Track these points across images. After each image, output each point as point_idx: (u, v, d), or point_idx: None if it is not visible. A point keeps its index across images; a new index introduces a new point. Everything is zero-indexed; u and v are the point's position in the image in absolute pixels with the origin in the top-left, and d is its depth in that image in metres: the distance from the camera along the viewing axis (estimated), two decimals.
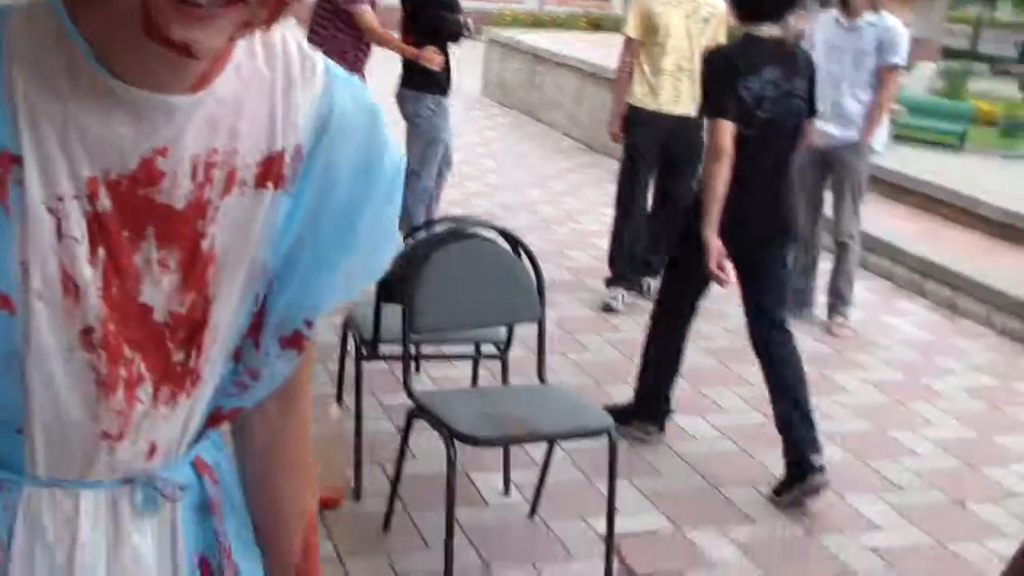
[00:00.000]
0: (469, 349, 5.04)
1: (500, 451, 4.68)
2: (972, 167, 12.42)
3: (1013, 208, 9.35)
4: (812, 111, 5.28)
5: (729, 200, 4.89)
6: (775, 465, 5.21)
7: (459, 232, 4.45)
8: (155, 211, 1.28)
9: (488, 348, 4.88)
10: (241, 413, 1.49)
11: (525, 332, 4.67)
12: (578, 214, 9.87)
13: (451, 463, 3.88)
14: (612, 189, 7.59)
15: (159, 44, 1.15)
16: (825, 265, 7.56)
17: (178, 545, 1.44)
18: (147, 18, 1.13)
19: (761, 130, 4.96)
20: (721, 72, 5.03)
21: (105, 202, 1.25)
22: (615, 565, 4.17)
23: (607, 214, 8.71)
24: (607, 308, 7.28)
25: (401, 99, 7.37)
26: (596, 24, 25.11)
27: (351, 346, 4.81)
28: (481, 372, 5.29)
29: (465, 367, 5.41)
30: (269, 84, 1.33)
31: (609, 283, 7.44)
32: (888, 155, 8.48)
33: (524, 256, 4.45)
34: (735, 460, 5.30)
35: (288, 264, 1.38)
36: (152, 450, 1.38)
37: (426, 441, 4.75)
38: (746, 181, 4.93)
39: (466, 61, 8.31)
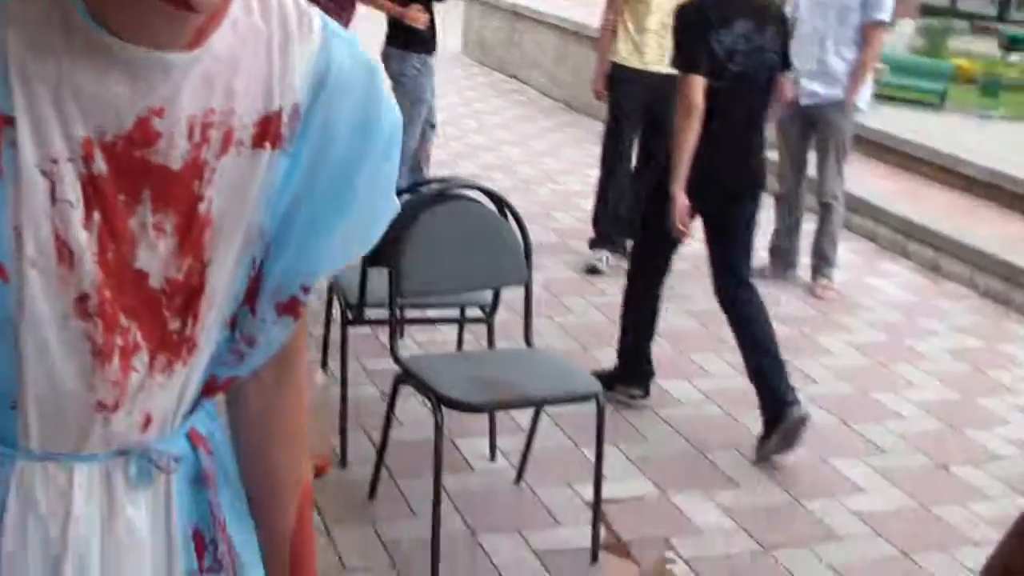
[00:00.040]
0: (454, 313, 5.02)
1: (486, 417, 4.67)
2: (952, 126, 12.43)
3: (995, 167, 9.34)
4: (785, 65, 5.28)
5: (700, 155, 4.92)
6: (760, 429, 5.22)
7: (445, 194, 4.42)
8: (151, 173, 1.25)
9: (473, 312, 4.86)
10: (237, 382, 1.46)
11: (510, 295, 4.66)
12: (559, 174, 9.83)
13: (439, 429, 3.86)
14: (593, 149, 7.57)
15: None
16: (808, 226, 7.55)
17: (172, 517, 1.42)
18: None
19: (733, 83, 4.96)
20: (693, 25, 5.02)
21: (100, 164, 1.22)
22: (602, 531, 4.17)
23: (589, 174, 8.70)
24: (592, 270, 7.26)
25: (386, 58, 7.31)
26: None
27: (335, 311, 4.78)
28: (465, 336, 5.27)
29: (449, 331, 5.39)
30: (266, 40, 1.30)
31: (593, 244, 7.42)
32: (870, 114, 8.46)
33: (511, 218, 4.43)
34: (720, 424, 5.30)
35: (285, 226, 1.35)
36: (147, 421, 1.36)
37: (411, 407, 4.75)
38: (717, 135, 4.95)
39: (446, 20, 8.23)
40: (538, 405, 4.36)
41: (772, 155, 8.02)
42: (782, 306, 7.03)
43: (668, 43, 6.93)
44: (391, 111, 1.40)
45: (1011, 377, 6.24)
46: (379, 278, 4.26)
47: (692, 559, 4.18)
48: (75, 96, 1.19)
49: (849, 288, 7.50)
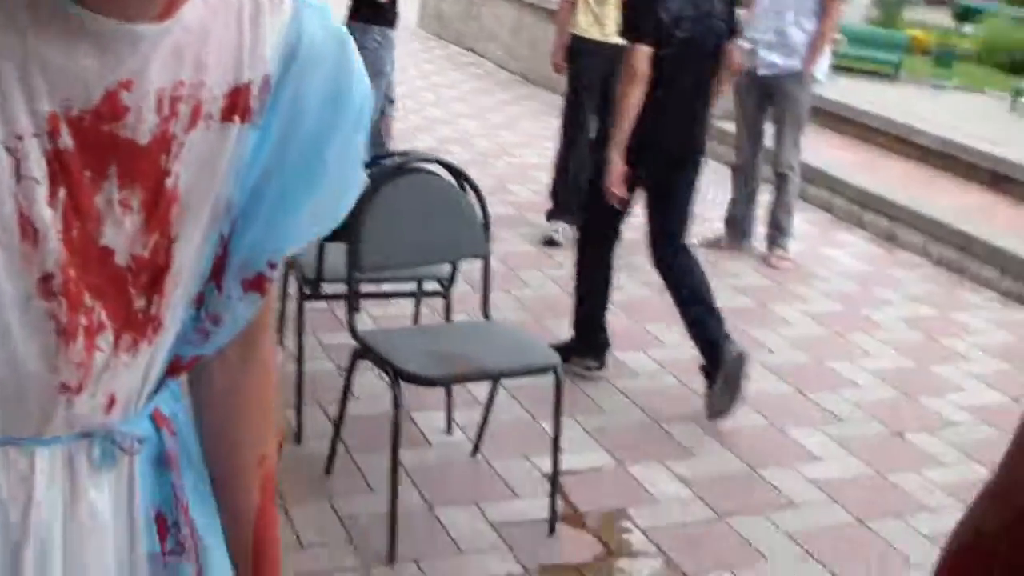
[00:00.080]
0: (411, 287, 5.00)
1: (442, 390, 4.66)
2: (907, 96, 12.49)
3: (950, 137, 9.39)
4: (732, 32, 5.30)
5: (645, 121, 4.96)
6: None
7: (405, 167, 4.39)
8: (118, 148, 1.22)
9: (430, 285, 4.84)
10: (201, 361, 1.44)
11: (465, 268, 4.65)
12: (516, 147, 9.82)
13: (397, 403, 3.84)
14: (550, 122, 7.56)
15: None
16: (764, 197, 7.57)
17: (135, 500, 1.40)
18: None
19: (679, 50, 4.99)
20: None
21: (67, 140, 1.19)
22: (559, 503, 4.17)
23: (546, 147, 8.70)
24: (549, 242, 7.26)
25: (347, 31, 7.23)
26: None
27: (292, 286, 4.75)
28: (421, 310, 5.25)
29: (405, 305, 5.37)
30: (236, 11, 1.27)
31: (550, 216, 7.41)
32: (827, 85, 8.49)
33: (470, 191, 4.41)
34: (676, 394, 5.31)
35: (254, 201, 1.34)
36: (111, 402, 1.34)
37: (367, 381, 4.73)
38: (663, 102, 4.98)
39: None
40: (496, 378, 4.35)
41: (729, 126, 8.08)
42: (738, 276, 7.06)
43: None
44: (361, 82, 1.38)
45: (965, 345, 6.28)
46: (336, 253, 4.24)
47: (649, 529, 4.19)
48: (42, 71, 1.16)
49: (804, 258, 7.53)
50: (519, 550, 3.97)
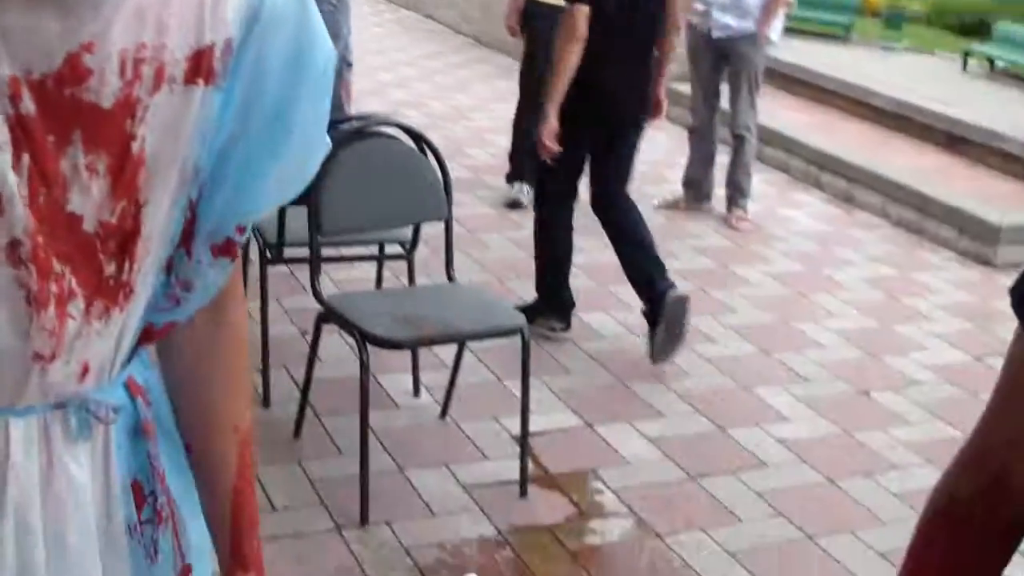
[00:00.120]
0: (372, 250, 4.95)
1: (407, 353, 4.62)
2: (859, 58, 12.52)
3: (904, 99, 9.42)
4: None
5: (590, 80, 5.01)
6: (683, 360, 5.25)
7: (364, 131, 4.34)
8: (82, 112, 1.20)
9: (392, 248, 4.80)
10: (174, 328, 1.42)
11: (426, 231, 4.61)
12: (470, 111, 9.76)
13: (364, 367, 3.80)
14: (503, 85, 7.54)
15: None
16: (722, 158, 7.56)
17: (111, 469, 1.38)
18: None
19: (620, 9, 5.02)
20: None
21: (29, 104, 1.17)
22: (529, 464, 4.15)
23: (500, 110, 8.66)
24: (513, 204, 7.21)
25: None
26: None
27: (253, 251, 4.70)
28: (383, 274, 5.21)
29: (366, 269, 5.33)
30: None
31: (510, 178, 7.36)
32: (780, 47, 8.48)
33: (429, 154, 4.37)
34: (642, 355, 5.29)
35: (220, 165, 1.32)
36: (85, 371, 1.32)
37: (332, 345, 4.68)
38: (609, 59, 5.02)
39: None
40: (464, 340, 4.32)
41: (684, 88, 8.06)
42: (699, 238, 7.06)
43: None
44: (324, 44, 1.36)
45: (926, 304, 6.31)
46: (297, 217, 4.19)
47: (620, 489, 4.18)
48: (3, 36, 1.14)
49: (763, 219, 7.53)
50: (491, 512, 3.95)
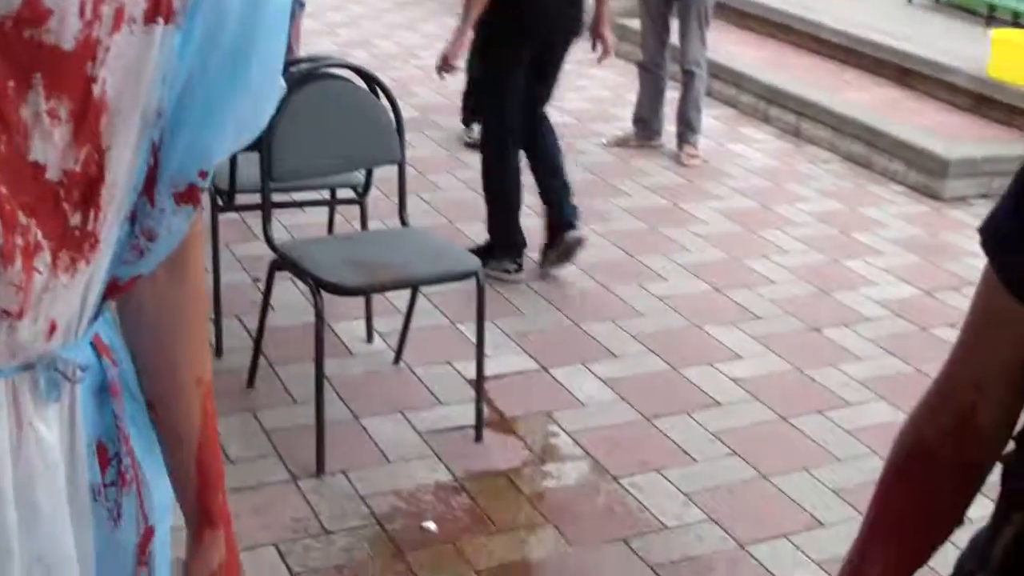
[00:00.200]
0: (324, 195, 4.91)
1: (360, 299, 4.59)
2: None
3: (853, 32, 9.41)
4: None
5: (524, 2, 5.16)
6: (636, 300, 5.26)
7: (315, 73, 4.28)
8: (42, 55, 1.16)
9: (344, 193, 4.76)
10: (139, 281, 1.40)
11: (377, 174, 4.57)
12: (419, 49, 9.67)
13: (319, 315, 3.78)
14: (452, 23, 7.42)
15: None
16: (672, 94, 7.54)
17: (76, 429, 1.36)
18: None
19: None
20: None
21: None
22: (484, 408, 4.15)
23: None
24: (475, 145, 7.14)
25: None
26: None
27: (204, 198, 4.64)
28: (335, 218, 5.18)
29: (317, 214, 5.29)
30: None
31: (467, 121, 7.29)
32: None
33: (382, 96, 4.32)
34: (595, 296, 5.30)
35: (180, 106, 1.29)
36: (52, 328, 1.29)
37: (283, 292, 4.65)
38: None
39: None
40: (419, 285, 4.30)
41: (634, 24, 8.02)
42: (649, 175, 7.05)
43: None
44: None
45: (876, 239, 6.33)
46: (248, 163, 4.14)
47: (575, 432, 4.19)
48: None
49: (713, 155, 7.52)
50: (447, 457, 3.95)
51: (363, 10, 11.15)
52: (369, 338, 4.67)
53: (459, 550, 3.49)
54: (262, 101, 1.37)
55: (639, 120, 7.58)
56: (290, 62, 4.55)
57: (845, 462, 4.13)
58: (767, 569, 3.52)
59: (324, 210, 5.14)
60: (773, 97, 8.43)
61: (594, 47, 5.77)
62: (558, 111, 8.14)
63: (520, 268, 5.40)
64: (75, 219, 1.25)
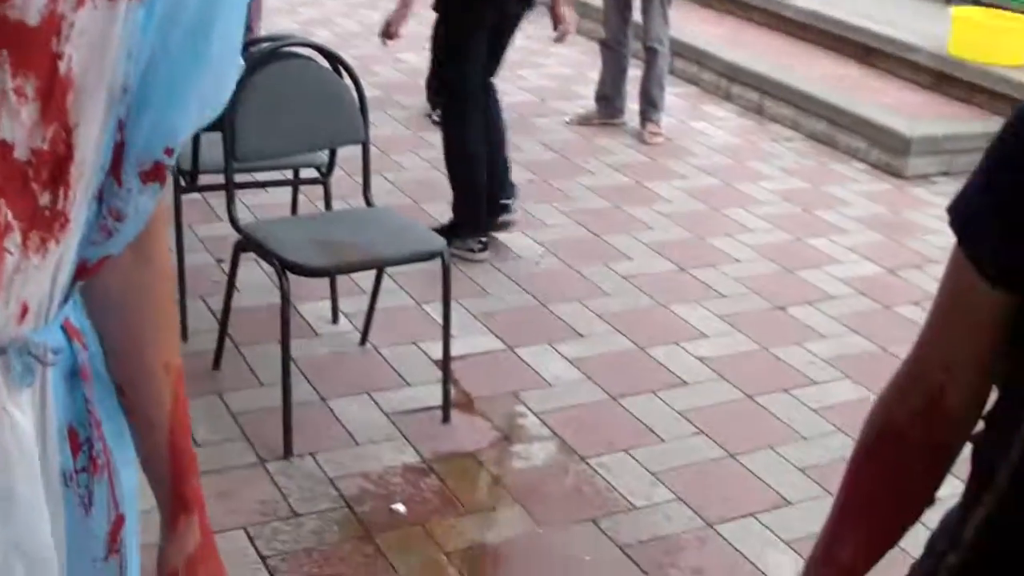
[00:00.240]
0: (287, 175, 4.88)
1: (325, 280, 4.57)
2: None
3: (816, 9, 9.42)
4: None
5: None
6: (601, 279, 5.26)
7: (278, 52, 4.25)
8: (8, 31, 1.14)
9: (308, 172, 4.73)
10: (108, 262, 1.38)
11: (340, 153, 4.55)
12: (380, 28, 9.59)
13: (285, 297, 3.76)
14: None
15: None
16: (634, 72, 7.53)
17: (47, 414, 1.34)
18: None
19: None
20: None
21: None
22: (452, 389, 4.15)
23: (409, 26, 8.53)
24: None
25: None
26: None
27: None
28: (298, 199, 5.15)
29: (280, 193, 5.26)
30: None
31: (432, 101, 7.26)
32: None
33: (345, 75, 4.30)
34: (560, 276, 5.30)
35: (144, 84, 1.28)
36: (24, 311, 1.27)
37: (248, 273, 4.62)
38: None
39: None
40: (384, 265, 4.29)
41: (596, 1, 8.00)
42: (612, 153, 7.05)
43: None
44: None
45: (839, 217, 6.36)
46: (211, 143, 4.11)
47: (542, 412, 4.19)
48: None
49: (676, 133, 7.53)
50: (415, 439, 3.95)
51: None
52: (335, 319, 4.65)
53: (428, 532, 3.49)
54: (223, 77, 1.36)
55: (602, 98, 7.57)
56: (251, 41, 4.53)
57: (811, 440, 4.15)
58: (736, 548, 3.54)
59: (287, 190, 5.10)
60: (735, 75, 8.44)
61: (555, 26, 5.77)
62: (520, 89, 8.17)
63: (485, 247, 5.39)
64: (44, 198, 1.23)
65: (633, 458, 3.95)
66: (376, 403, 4.12)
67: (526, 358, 4.55)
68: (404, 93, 7.68)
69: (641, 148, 7.20)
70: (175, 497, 1.53)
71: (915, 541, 1.51)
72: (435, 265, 4.06)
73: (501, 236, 5.54)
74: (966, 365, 1.38)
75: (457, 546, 3.45)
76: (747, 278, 5.45)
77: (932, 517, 1.47)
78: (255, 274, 4.72)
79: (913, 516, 1.48)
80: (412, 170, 6.44)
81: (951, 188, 6.83)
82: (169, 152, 1.33)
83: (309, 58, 4.30)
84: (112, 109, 1.26)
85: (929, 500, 1.47)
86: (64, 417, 1.37)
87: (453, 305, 4.22)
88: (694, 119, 7.96)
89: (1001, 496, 1.33)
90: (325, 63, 4.31)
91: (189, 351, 4.24)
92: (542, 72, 8.65)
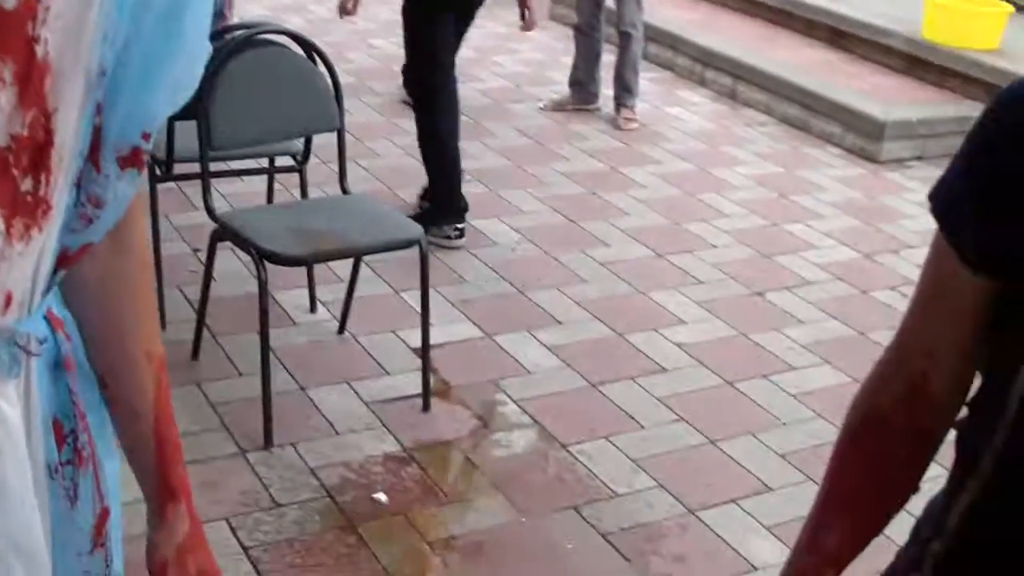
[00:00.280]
0: (262, 163, 4.86)
1: (302, 269, 4.56)
2: None
3: None
4: None
5: None
6: (579, 266, 5.26)
7: (252, 40, 4.23)
8: None
9: (283, 161, 4.71)
10: (90, 250, 1.37)
11: (314, 140, 4.54)
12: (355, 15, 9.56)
13: (263, 286, 3.74)
14: None
15: None
16: (608, 57, 7.53)
17: (32, 405, 1.33)
18: None
19: None
20: None
21: None
22: (431, 378, 4.14)
23: (381, 12, 8.56)
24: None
25: None
26: None
27: None
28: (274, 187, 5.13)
29: (255, 182, 5.24)
30: None
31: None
32: None
33: (319, 62, 4.28)
34: (538, 262, 5.29)
35: (119, 69, 1.28)
36: (8, 301, 1.26)
37: (225, 262, 4.60)
38: None
39: None
40: (362, 254, 4.28)
41: None
42: (587, 139, 7.04)
43: None
44: None
45: (815, 202, 6.37)
46: (185, 132, 4.09)
47: (522, 400, 4.19)
48: None
49: (650, 118, 7.53)
50: (395, 428, 3.94)
51: None
52: (312, 308, 4.64)
53: (410, 521, 3.48)
54: (195, 62, 1.36)
55: (575, 83, 7.56)
56: (225, 29, 4.51)
57: (790, 426, 4.16)
58: (717, 534, 3.55)
59: (262, 179, 5.08)
60: (708, 60, 8.44)
61: (522, 16, 5.76)
62: (495, 75, 8.16)
63: (462, 234, 5.38)
64: (26, 184, 1.22)
65: (614, 445, 3.96)
66: (356, 392, 4.12)
67: (505, 346, 4.54)
68: (378, 79, 7.66)
69: (615, 134, 7.20)
70: (162, 486, 1.52)
71: (900, 528, 1.51)
72: (412, 253, 4.05)
73: (477, 223, 5.52)
74: (949, 351, 1.38)
75: (439, 535, 3.44)
76: (724, 264, 5.46)
77: (917, 504, 1.48)
78: (232, 263, 4.70)
79: (897, 503, 1.48)
80: (387, 157, 6.42)
81: (926, 173, 6.90)
82: (146, 137, 1.34)
83: (283, 45, 4.28)
84: (90, 93, 1.26)
85: (913, 488, 1.47)
86: (49, 408, 1.36)
87: (430, 293, 4.21)
88: (668, 104, 7.96)
89: (985, 482, 1.33)
90: (299, 50, 4.30)
91: (167, 341, 4.15)
92: (516, 58, 8.64)
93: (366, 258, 4.62)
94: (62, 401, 1.38)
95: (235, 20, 6.01)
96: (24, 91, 1.18)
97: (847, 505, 1.51)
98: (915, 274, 1.43)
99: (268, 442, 3.76)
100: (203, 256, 4.17)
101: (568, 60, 7.72)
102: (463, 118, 5.45)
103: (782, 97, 7.79)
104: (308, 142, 4.51)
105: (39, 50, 1.18)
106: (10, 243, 1.22)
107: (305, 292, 4.65)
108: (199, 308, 4.17)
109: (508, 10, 6.76)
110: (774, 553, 3.44)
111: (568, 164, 6.59)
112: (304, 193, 4.62)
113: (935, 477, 1.47)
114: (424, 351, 4.11)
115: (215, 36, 4.47)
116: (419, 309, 4.15)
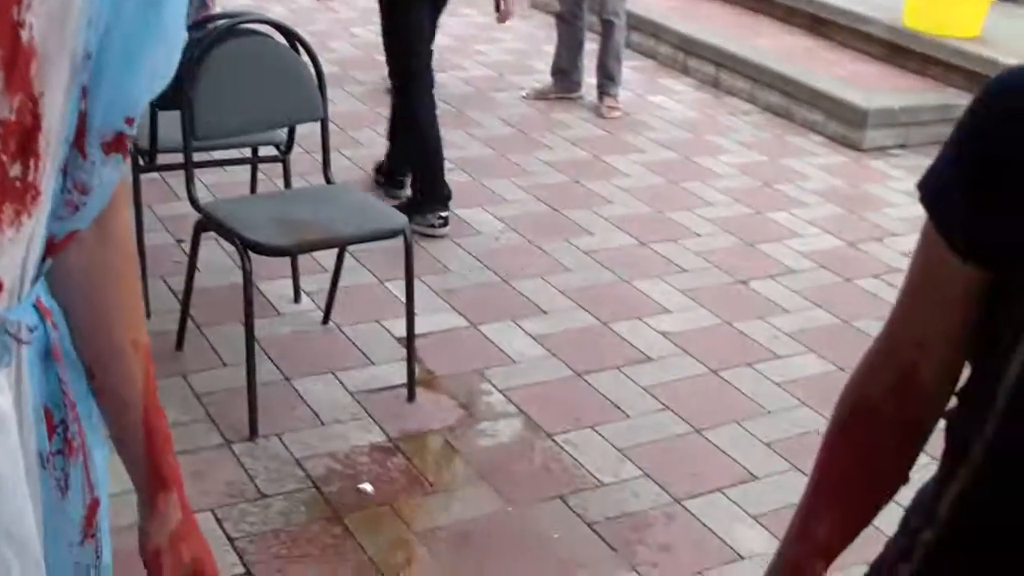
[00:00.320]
0: (245, 153, 4.85)
1: (287, 259, 4.54)
2: None
3: None
4: None
5: None
6: (562, 254, 5.26)
7: (235, 29, 4.21)
8: None
9: (266, 151, 4.70)
10: (76, 238, 1.37)
11: (298, 130, 4.53)
12: (335, 3, 9.55)
13: (247, 277, 3.73)
14: None
15: None
16: (591, 46, 7.52)
17: (23, 395, 1.33)
18: None
19: None
20: None
21: None
22: (416, 367, 4.14)
23: (358, 1, 8.53)
24: None
25: None
26: None
27: None
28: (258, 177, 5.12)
29: (238, 173, 5.22)
30: None
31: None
32: None
33: (303, 52, 4.27)
34: (522, 251, 5.29)
35: (101, 54, 1.28)
36: None
37: (208, 253, 4.58)
38: None
39: None
40: (347, 244, 4.27)
41: None
42: (570, 128, 7.04)
43: None
44: None
45: (798, 191, 6.38)
46: (168, 122, 4.08)
47: (507, 389, 4.18)
48: None
49: (633, 106, 7.53)
50: (380, 418, 3.93)
51: None
52: (296, 298, 4.63)
53: (396, 511, 3.48)
54: (173, 48, 1.36)
55: (558, 72, 7.56)
56: (208, 18, 4.49)
57: (775, 414, 4.17)
58: (703, 523, 3.55)
59: (246, 169, 5.07)
60: (691, 48, 8.45)
61: (497, 7, 5.75)
62: (478, 64, 8.15)
63: (446, 223, 5.37)
64: (15, 170, 1.22)
65: (599, 435, 3.96)
66: (340, 382, 4.11)
67: (489, 335, 4.54)
68: (361, 69, 7.64)
69: (599, 122, 7.20)
70: (153, 476, 1.52)
71: (889, 519, 1.51)
72: (396, 242, 4.04)
73: (461, 212, 5.52)
74: (938, 341, 1.38)
75: (425, 525, 3.44)
76: (708, 252, 5.46)
77: (905, 495, 1.48)
78: (216, 254, 4.68)
79: (887, 494, 1.48)
80: (370, 146, 6.41)
81: (909, 161, 6.91)
82: (129, 121, 1.33)
83: (266, 35, 4.26)
84: (76, 77, 1.26)
85: (902, 478, 1.47)
86: (39, 398, 1.36)
87: (415, 282, 4.21)
88: (651, 93, 7.96)
89: (976, 471, 1.33)
90: (282, 39, 4.28)
91: (151, 332, 4.14)
92: (499, 47, 8.62)
93: (350, 248, 4.60)
94: (52, 390, 1.38)
95: (218, 9, 5.99)
96: (10, 76, 1.18)
97: (837, 495, 1.51)
98: (899, 262, 1.43)
99: (253, 433, 3.75)
100: (187, 247, 4.16)
101: (551, 49, 7.71)
102: (446, 107, 5.44)
103: (764, 85, 7.80)
104: (292, 132, 4.50)
105: (24, 35, 1.17)
106: (1, 230, 1.22)
107: (289, 282, 4.64)
108: (183, 299, 4.16)
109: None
110: (760, 541, 3.45)
111: (551, 153, 6.59)
112: (288, 183, 4.61)
113: (923, 466, 1.47)
114: (409, 341, 4.10)
115: (198, 25, 4.46)
116: (404, 299, 4.14)
